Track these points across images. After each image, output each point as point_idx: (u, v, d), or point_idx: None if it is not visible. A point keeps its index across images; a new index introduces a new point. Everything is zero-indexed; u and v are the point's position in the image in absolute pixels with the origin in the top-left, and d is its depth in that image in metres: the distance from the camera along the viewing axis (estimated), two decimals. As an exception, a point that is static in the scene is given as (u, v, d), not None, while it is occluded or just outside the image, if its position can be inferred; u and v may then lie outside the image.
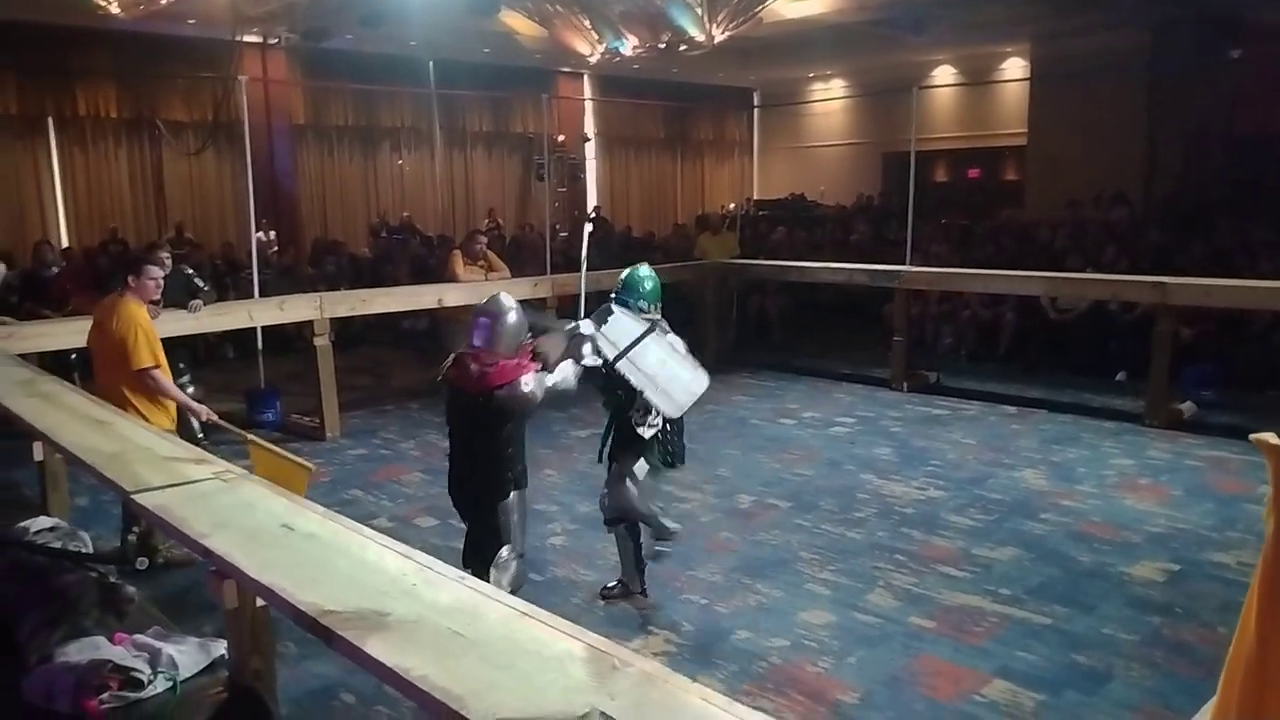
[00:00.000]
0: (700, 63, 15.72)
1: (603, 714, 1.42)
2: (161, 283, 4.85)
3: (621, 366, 3.88)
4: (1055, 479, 5.88)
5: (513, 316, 3.69)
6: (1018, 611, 4.12)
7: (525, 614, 1.77)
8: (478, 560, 3.61)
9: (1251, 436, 0.91)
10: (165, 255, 6.59)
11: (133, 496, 2.45)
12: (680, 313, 11.05)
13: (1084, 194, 12.20)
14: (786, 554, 4.80)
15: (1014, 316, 9.33)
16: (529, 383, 3.55)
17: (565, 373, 3.73)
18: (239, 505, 2.38)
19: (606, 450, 4.26)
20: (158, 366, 4.60)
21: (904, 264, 8.79)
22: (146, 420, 4.42)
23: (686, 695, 1.48)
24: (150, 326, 4.65)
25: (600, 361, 3.90)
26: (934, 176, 17.06)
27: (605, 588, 4.36)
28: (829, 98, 18.30)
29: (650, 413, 4.10)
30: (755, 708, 3.31)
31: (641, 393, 3.94)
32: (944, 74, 16.61)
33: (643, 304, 4.19)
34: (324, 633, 1.76)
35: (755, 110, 19.49)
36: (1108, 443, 6.61)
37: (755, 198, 18.12)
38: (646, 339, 3.95)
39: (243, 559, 2.05)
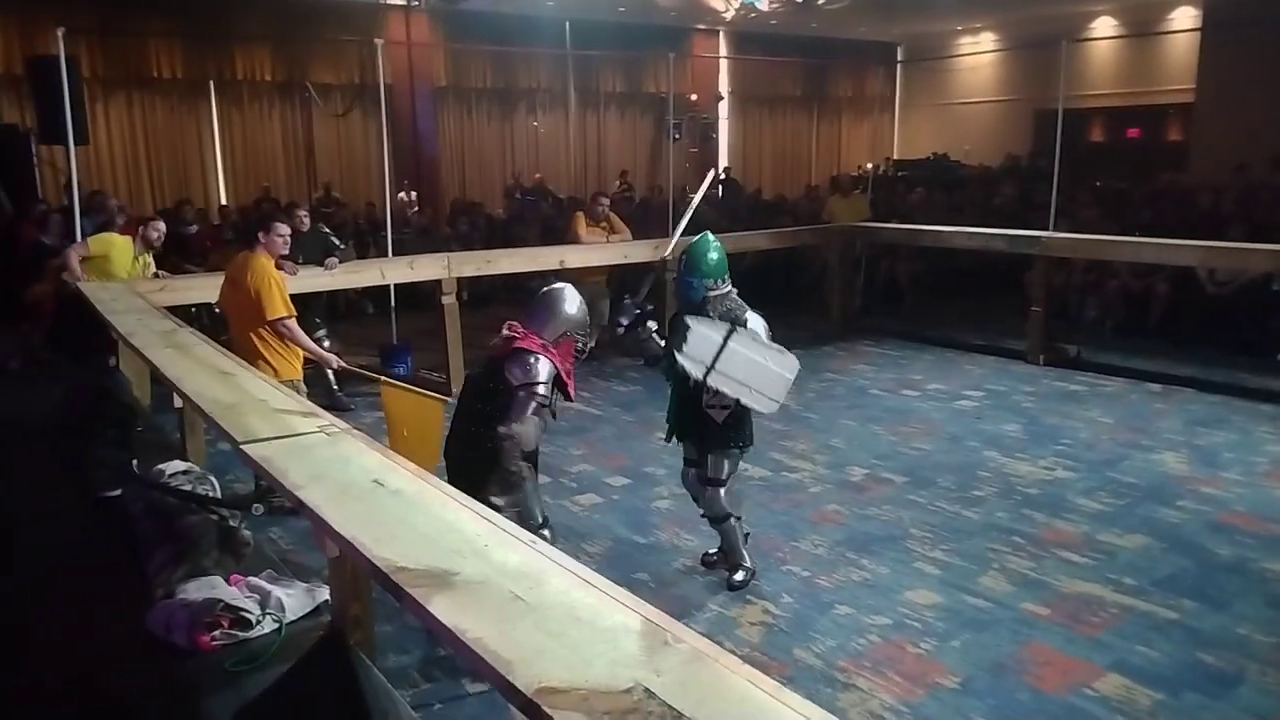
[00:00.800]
0: (841, 17, 15.23)
1: (646, 689, 1.40)
2: (289, 240, 5.07)
3: (713, 381, 3.75)
4: (1198, 464, 5.49)
5: (570, 309, 3.75)
6: (1141, 603, 3.88)
7: (587, 582, 1.77)
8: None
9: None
10: (303, 214, 6.95)
11: (242, 446, 2.57)
12: (805, 278, 10.93)
13: (1255, 157, 11.21)
14: (896, 530, 4.67)
15: (1167, 288, 8.71)
16: (541, 368, 3.50)
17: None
18: (336, 459, 2.47)
19: (677, 433, 4.21)
20: (290, 316, 4.84)
21: (1048, 229, 8.32)
22: (275, 370, 4.69)
23: (734, 677, 1.45)
24: (281, 279, 4.91)
25: (693, 376, 3.77)
26: (1089, 136, 16.03)
27: (706, 554, 4.35)
28: (978, 51, 17.39)
29: (721, 394, 3.91)
30: (849, 685, 3.28)
31: (738, 400, 3.82)
32: (1104, 25, 15.53)
33: (709, 281, 3.97)
34: (394, 588, 1.80)
35: (899, 65, 18.75)
36: (1262, 427, 6.12)
37: (895, 158, 17.50)
38: (730, 343, 3.75)
39: (330, 511, 2.12)
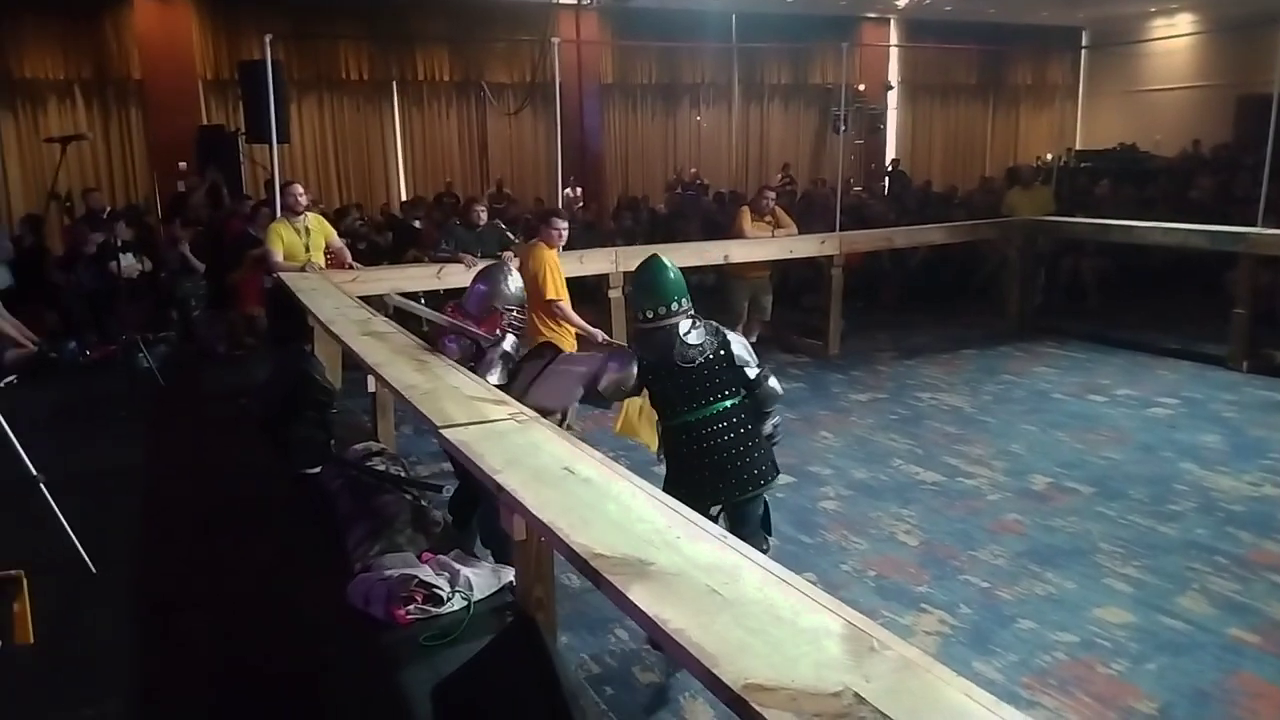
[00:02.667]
0: (1021, 2, 14.54)
1: (857, 695, 1.38)
2: (563, 233, 5.70)
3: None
4: None
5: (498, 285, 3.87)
6: (1369, 636, 3.52)
7: (784, 580, 1.76)
8: (462, 515, 3.77)
9: None
10: (481, 209, 7.21)
11: (440, 431, 2.70)
12: (979, 275, 10.49)
13: None
14: (1084, 543, 4.41)
15: (1397, 290, 7.86)
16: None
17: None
18: (528, 445, 2.56)
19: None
20: (562, 300, 5.49)
21: (1255, 225, 7.65)
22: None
23: (948, 688, 1.40)
24: (558, 266, 5.55)
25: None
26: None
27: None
28: (1174, 34, 16.19)
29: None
30: (1033, 703, 3.13)
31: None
32: (1324, 1, 14.14)
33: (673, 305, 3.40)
34: (593, 574, 1.85)
35: (1084, 51, 17.70)
36: None
37: (1078, 148, 16.54)
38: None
39: (528, 496, 2.20)
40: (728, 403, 3.33)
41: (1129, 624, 3.69)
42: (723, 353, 3.34)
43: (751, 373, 3.37)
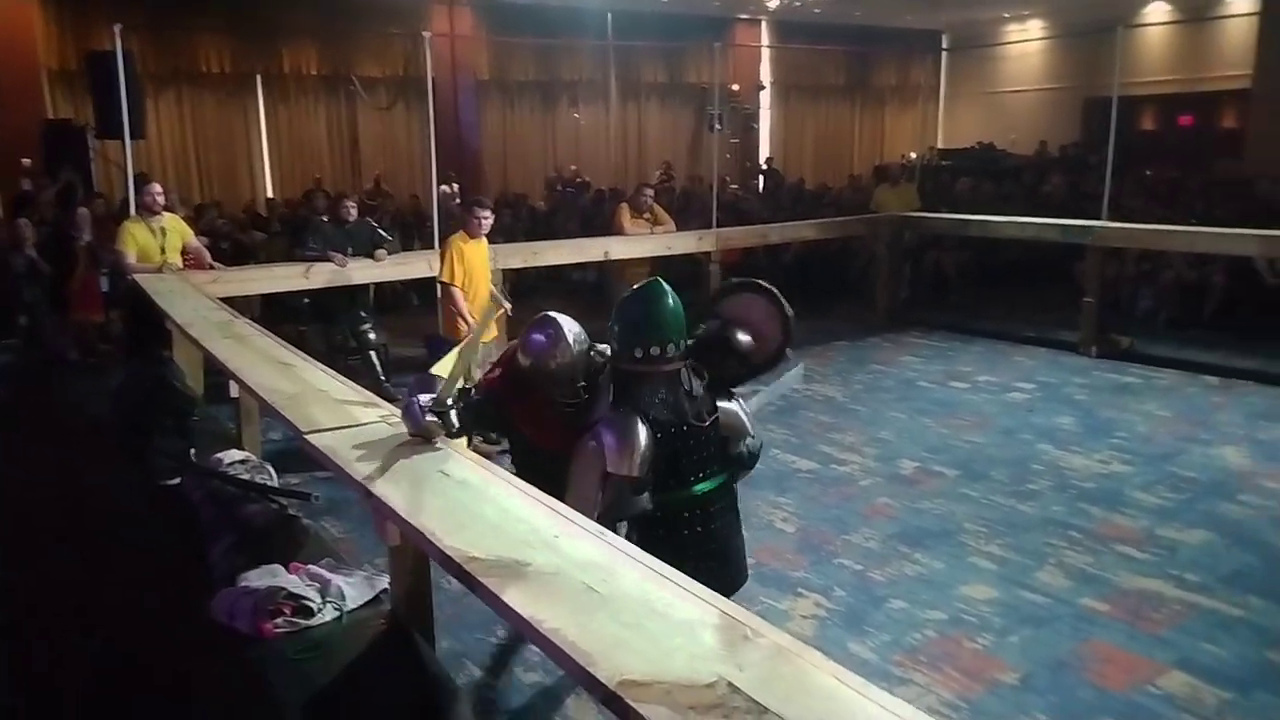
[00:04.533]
0: (885, 5, 15.06)
1: (730, 684, 1.39)
2: (482, 222, 5.69)
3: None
4: (1260, 458, 5.36)
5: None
6: (1206, 600, 3.80)
7: (661, 574, 1.77)
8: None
9: None
10: (350, 205, 7.01)
11: (305, 437, 2.60)
12: (851, 270, 10.82)
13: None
14: (950, 524, 4.61)
15: (1223, 280, 8.51)
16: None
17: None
18: (400, 449, 2.49)
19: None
20: (452, 284, 5.55)
21: (1100, 219, 8.16)
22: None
23: (819, 673, 1.43)
24: (461, 254, 5.59)
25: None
26: (1140, 124, 15.68)
27: None
28: (1026, 39, 17.09)
29: None
30: (905, 680, 3.24)
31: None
32: (1156, 11, 15.18)
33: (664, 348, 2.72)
34: (467, 578, 1.81)
35: (944, 54, 18.48)
36: (1327, 421, 5.96)
37: (940, 147, 17.26)
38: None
39: (399, 501, 2.14)
40: (726, 473, 2.83)
41: (993, 599, 3.87)
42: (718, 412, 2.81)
43: (753, 443, 2.89)
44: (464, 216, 5.86)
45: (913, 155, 15.30)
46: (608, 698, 1.39)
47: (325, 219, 7.17)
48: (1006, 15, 16.94)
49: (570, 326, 2.73)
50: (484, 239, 5.84)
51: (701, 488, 2.73)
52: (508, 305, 5.64)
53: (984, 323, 9.02)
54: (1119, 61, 8.76)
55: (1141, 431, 5.91)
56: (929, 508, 4.82)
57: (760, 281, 3.01)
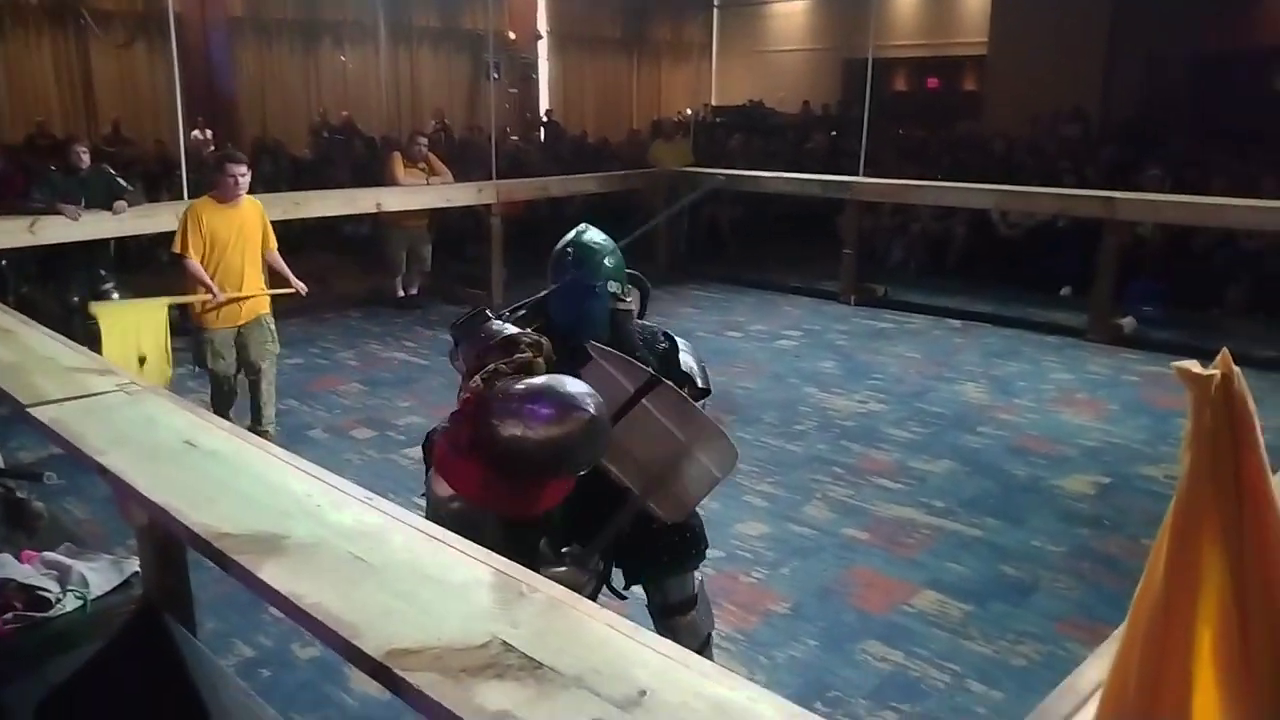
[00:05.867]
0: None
1: (504, 642, 1.36)
2: (239, 180, 4.84)
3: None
4: (995, 393, 5.94)
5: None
6: (950, 524, 4.17)
7: (433, 537, 1.70)
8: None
9: (1173, 365, 0.84)
10: (81, 149, 6.32)
11: (28, 410, 2.31)
12: (631, 224, 10.95)
13: (1042, 109, 12.09)
14: (726, 467, 4.79)
15: (964, 231, 9.31)
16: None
17: None
18: (141, 420, 2.26)
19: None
20: (183, 256, 4.83)
21: (858, 175, 8.68)
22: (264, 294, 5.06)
23: (592, 622, 1.42)
24: (201, 220, 4.82)
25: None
26: (893, 86, 16.77)
27: None
28: None
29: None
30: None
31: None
32: (908, -22, 16.22)
33: (615, 288, 2.54)
34: (218, 556, 1.67)
35: (715, 10, 18.91)
36: (1049, 357, 6.68)
37: (714, 104, 17.73)
38: (644, 401, 2.29)
39: (138, 478, 1.94)
40: None
41: (765, 535, 4.08)
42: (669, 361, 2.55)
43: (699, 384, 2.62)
44: (215, 176, 4.99)
45: (688, 111, 15.63)
46: (375, 669, 1.32)
47: (54, 167, 6.41)
48: (773, -25, 17.55)
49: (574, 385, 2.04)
50: (241, 199, 4.92)
51: None
52: (301, 287, 5.26)
53: (756, 274, 9.43)
54: (873, 25, 9.30)
55: (894, 372, 6.38)
56: (707, 452, 4.98)
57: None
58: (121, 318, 5.03)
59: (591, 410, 1.98)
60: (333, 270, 9.82)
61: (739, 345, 7.12)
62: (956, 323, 7.68)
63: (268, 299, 5.10)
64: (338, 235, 10.65)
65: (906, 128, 13.85)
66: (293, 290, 5.25)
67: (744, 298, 8.69)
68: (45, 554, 2.75)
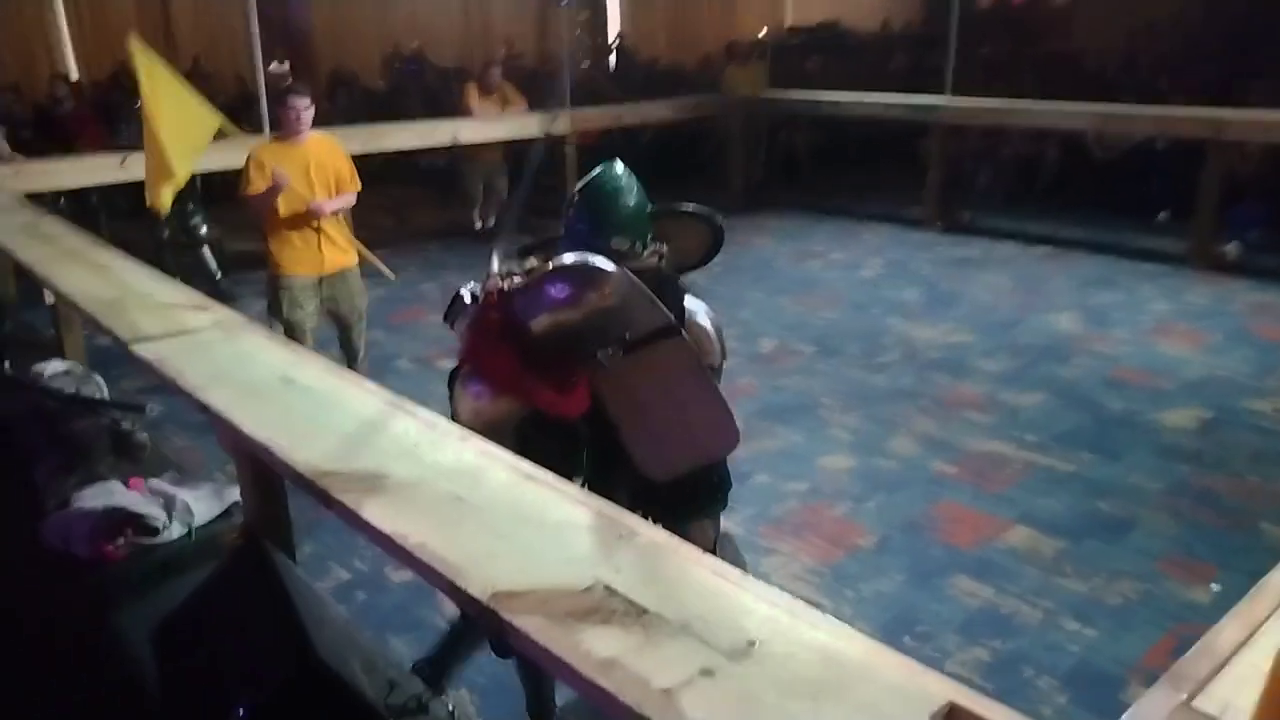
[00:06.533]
0: None
1: (607, 587, 1.35)
2: (300, 113, 4.48)
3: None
4: (1089, 323, 5.72)
5: None
6: (1042, 458, 4.06)
7: (530, 477, 1.69)
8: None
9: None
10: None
11: (131, 348, 2.37)
12: (705, 150, 10.74)
13: (1137, 20, 11.39)
14: (808, 399, 4.74)
15: (1057, 154, 8.90)
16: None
17: None
18: (237, 356, 2.30)
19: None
20: (248, 190, 4.53)
21: (944, 96, 8.32)
22: (336, 243, 4.68)
23: (697, 568, 1.40)
24: (263, 163, 4.48)
25: None
26: (976, 2, 15.94)
27: None
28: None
29: None
30: (771, 550, 3.34)
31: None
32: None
33: (620, 242, 2.28)
34: (321, 494, 1.70)
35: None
36: (1146, 286, 6.40)
37: (789, 24, 17.13)
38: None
39: (239, 414, 1.97)
40: None
41: (850, 468, 4.03)
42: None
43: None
44: (277, 110, 4.66)
45: (764, 32, 15.15)
46: (482, 612, 1.32)
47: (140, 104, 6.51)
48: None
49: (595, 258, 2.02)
50: (305, 136, 4.57)
51: None
52: (390, 274, 5.07)
53: (835, 201, 9.18)
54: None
55: (983, 302, 6.19)
56: (788, 384, 4.93)
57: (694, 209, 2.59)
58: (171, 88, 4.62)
59: (616, 272, 1.96)
60: (412, 202, 9.88)
61: (818, 274, 6.98)
62: (1048, 249, 7.39)
63: (354, 253, 4.81)
64: (415, 168, 10.69)
65: (992, 46, 13.20)
66: (380, 271, 5.07)
67: (823, 226, 8.49)
68: (151, 481, 2.85)
